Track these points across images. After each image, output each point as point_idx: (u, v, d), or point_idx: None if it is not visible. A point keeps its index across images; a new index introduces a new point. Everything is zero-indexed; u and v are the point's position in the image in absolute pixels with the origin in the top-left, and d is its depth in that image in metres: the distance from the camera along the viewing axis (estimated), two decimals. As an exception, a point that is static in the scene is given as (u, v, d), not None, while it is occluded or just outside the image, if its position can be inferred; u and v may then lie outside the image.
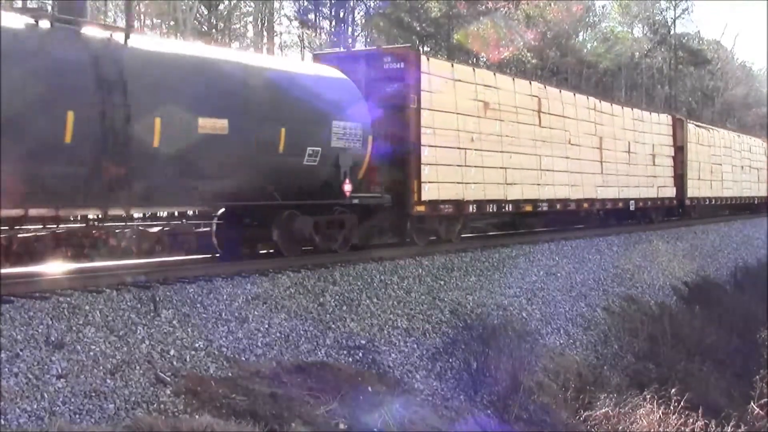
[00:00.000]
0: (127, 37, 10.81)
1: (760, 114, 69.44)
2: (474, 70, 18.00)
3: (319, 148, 13.10)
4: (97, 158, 10.08)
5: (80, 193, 10.18)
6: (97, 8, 29.34)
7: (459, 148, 16.30)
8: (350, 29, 39.90)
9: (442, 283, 14.51)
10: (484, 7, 37.64)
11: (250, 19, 39.22)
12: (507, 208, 18.15)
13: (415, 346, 12.27)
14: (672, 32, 57.40)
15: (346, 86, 14.18)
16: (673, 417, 12.65)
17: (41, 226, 12.44)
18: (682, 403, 12.99)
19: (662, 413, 12.64)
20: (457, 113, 16.34)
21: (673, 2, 56.85)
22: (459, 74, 16.66)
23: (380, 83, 15.05)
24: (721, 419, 13.64)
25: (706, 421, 13.18)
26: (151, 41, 12.62)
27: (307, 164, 12.96)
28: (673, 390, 13.51)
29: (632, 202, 24.03)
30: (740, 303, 21.98)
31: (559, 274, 17.83)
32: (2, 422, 7.22)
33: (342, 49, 27.02)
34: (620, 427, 11.98)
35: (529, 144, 18.70)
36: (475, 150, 16.78)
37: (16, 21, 9.68)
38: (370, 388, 10.14)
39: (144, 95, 10.54)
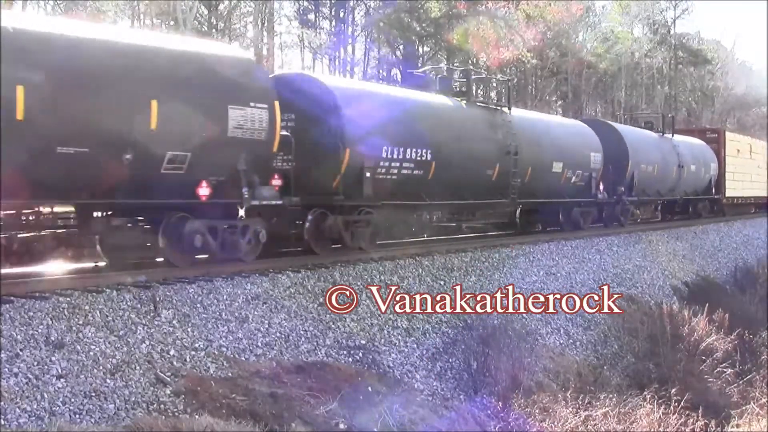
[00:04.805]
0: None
1: (760, 114, 69.44)
2: (733, 135, 37.38)
3: (707, 175, 30.56)
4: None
5: None
6: (96, 8, 29.32)
7: (731, 172, 33.49)
8: (350, 29, 39.90)
9: (442, 283, 14.50)
10: (483, 7, 37.60)
11: (250, 19, 39.15)
12: (738, 201, 35.10)
13: (415, 346, 12.27)
14: (672, 32, 57.44)
15: (707, 148, 31.63)
16: (673, 417, 12.65)
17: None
18: (682, 403, 12.99)
19: (662, 413, 12.64)
20: (730, 155, 33.47)
21: (673, 2, 56.96)
22: (730, 137, 35.00)
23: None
24: (721, 419, 13.64)
25: (706, 421, 13.19)
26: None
27: (704, 178, 30.57)
28: (673, 390, 13.51)
29: None
30: (740, 303, 21.96)
31: (559, 274, 17.82)
32: (2, 422, 7.22)
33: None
34: (620, 427, 11.97)
35: (747, 169, 36.11)
36: (734, 172, 33.96)
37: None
38: (370, 388, 10.14)
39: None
